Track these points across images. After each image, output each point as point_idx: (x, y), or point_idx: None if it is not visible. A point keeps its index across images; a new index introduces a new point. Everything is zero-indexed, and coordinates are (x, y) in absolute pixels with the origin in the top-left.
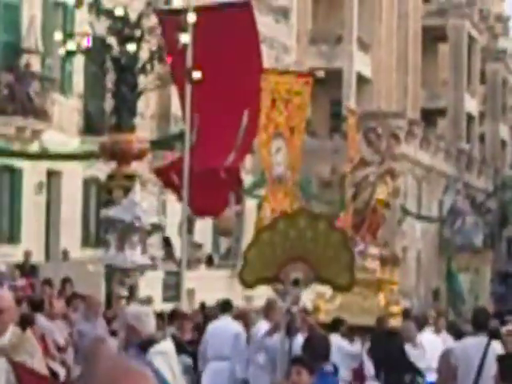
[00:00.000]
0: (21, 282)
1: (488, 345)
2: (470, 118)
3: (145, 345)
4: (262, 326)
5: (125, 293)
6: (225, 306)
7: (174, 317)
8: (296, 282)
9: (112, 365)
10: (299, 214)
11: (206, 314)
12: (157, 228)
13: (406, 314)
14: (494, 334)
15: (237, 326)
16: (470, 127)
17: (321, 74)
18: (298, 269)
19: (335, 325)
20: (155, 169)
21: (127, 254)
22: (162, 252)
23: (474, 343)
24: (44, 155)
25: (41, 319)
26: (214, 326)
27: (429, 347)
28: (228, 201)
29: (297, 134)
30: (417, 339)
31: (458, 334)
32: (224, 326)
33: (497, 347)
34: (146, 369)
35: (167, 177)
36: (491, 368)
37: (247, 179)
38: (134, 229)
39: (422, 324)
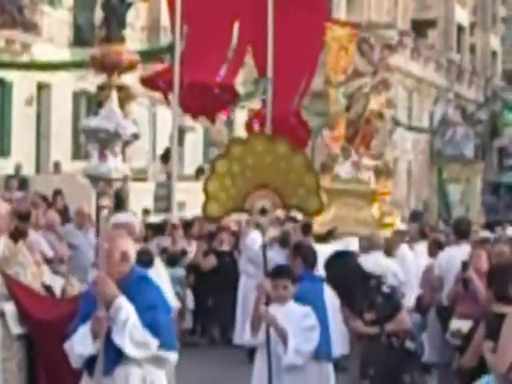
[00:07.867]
0: (17, 194)
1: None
2: (460, 28)
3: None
4: (256, 236)
5: (107, 203)
6: None
7: (165, 228)
8: (263, 211)
9: None
10: (254, 138)
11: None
12: (136, 137)
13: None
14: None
15: None
16: (460, 38)
17: None
18: (263, 197)
19: (330, 235)
20: (141, 78)
21: (110, 164)
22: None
23: (458, 253)
24: (33, 65)
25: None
26: None
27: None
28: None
29: None
30: (397, 252)
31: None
32: None
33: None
34: None
35: (154, 84)
36: None
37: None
38: (116, 138)
39: (423, 235)
